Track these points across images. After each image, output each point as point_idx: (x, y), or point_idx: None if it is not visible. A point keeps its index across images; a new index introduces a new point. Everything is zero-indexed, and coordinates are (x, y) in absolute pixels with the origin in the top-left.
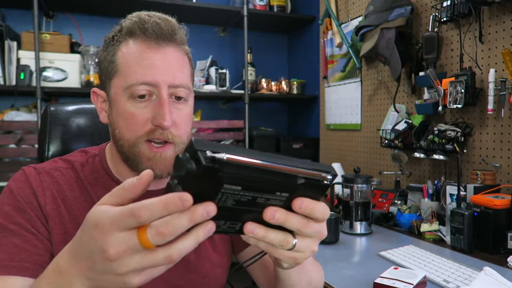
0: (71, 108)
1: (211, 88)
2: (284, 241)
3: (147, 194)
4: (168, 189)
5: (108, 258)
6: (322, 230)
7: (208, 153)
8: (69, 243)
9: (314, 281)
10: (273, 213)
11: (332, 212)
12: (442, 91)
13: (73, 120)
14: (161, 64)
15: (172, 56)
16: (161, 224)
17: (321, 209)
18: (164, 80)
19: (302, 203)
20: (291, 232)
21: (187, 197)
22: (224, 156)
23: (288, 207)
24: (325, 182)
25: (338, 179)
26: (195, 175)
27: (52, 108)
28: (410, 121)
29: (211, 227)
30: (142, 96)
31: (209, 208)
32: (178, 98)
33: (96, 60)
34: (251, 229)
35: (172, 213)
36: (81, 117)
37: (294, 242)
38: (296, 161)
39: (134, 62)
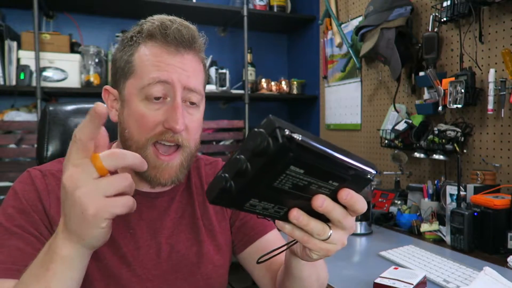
0: (69, 108)
1: (211, 88)
2: (322, 230)
3: (155, 196)
4: (234, 163)
5: (64, 180)
6: (354, 224)
7: (287, 131)
8: None
9: (321, 278)
10: (323, 201)
11: None
12: (442, 91)
13: (72, 120)
14: (178, 66)
15: (189, 62)
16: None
17: (362, 202)
18: (180, 80)
19: (348, 193)
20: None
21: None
22: (299, 137)
23: (333, 198)
24: (369, 176)
25: None
26: (269, 152)
27: (50, 108)
28: (410, 121)
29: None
30: (157, 98)
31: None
32: (191, 103)
33: (97, 60)
34: (297, 215)
35: (95, 122)
36: (80, 117)
37: (329, 233)
38: (348, 152)
39: (151, 64)
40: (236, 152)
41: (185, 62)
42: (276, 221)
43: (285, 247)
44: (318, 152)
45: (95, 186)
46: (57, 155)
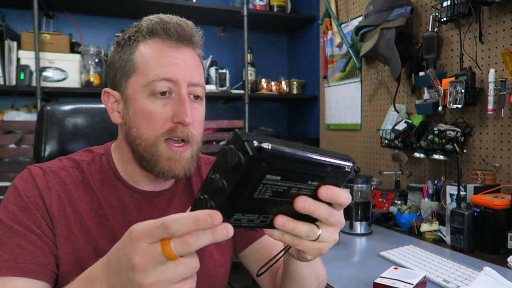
0: (67, 107)
1: (211, 88)
2: (311, 231)
3: (155, 195)
4: (210, 183)
5: (132, 266)
6: (342, 218)
7: (255, 143)
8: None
9: (320, 277)
10: (304, 202)
11: None
12: (442, 91)
13: (70, 120)
14: (181, 63)
15: (190, 57)
16: (186, 234)
17: (345, 194)
18: (184, 78)
19: (328, 189)
20: (314, 223)
21: (217, 215)
22: (268, 146)
23: (315, 197)
24: (347, 169)
25: None
26: (242, 166)
27: (48, 108)
28: (410, 121)
29: (230, 229)
30: (163, 93)
31: (229, 228)
32: (196, 97)
33: (97, 60)
34: (282, 221)
35: (200, 230)
36: (77, 117)
37: (319, 233)
38: (321, 150)
39: (155, 60)
40: (211, 172)
41: (186, 58)
42: (265, 229)
43: (281, 254)
44: (290, 157)
45: (163, 276)
46: (54, 155)
